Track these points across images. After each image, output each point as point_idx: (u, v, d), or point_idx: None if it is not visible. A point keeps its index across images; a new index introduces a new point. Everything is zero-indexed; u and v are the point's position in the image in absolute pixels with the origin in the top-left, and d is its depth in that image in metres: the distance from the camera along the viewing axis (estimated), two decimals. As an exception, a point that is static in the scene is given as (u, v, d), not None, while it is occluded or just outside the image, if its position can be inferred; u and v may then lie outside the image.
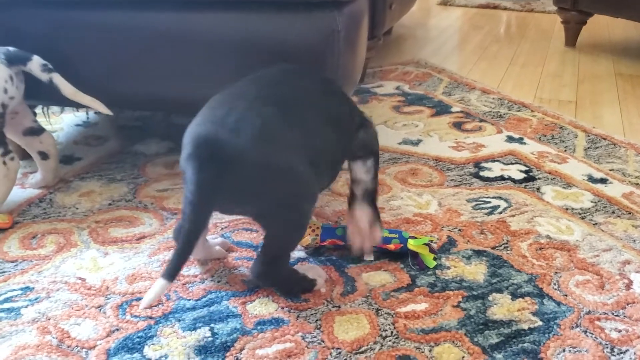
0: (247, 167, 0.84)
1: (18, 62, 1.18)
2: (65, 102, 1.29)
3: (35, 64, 1.18)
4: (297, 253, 1.09)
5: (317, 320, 0.92)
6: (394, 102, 1.94)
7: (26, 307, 0.95)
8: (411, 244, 1.05)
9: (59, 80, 1.19)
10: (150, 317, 0.93)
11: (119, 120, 1.75)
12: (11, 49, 1.18)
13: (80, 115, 1.76)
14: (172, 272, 0.85)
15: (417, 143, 1.60)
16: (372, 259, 1.06)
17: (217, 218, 1.21)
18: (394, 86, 2.09)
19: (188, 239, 0.84)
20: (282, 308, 0.95)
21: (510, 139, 1.64)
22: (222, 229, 1.18)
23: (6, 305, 0.95)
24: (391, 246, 1.05)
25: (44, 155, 1.29)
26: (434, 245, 1.10)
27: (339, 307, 0.96)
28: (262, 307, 0.95)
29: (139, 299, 0.97)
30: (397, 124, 1.74)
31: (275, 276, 0.97)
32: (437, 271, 1.04)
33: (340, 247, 1.08)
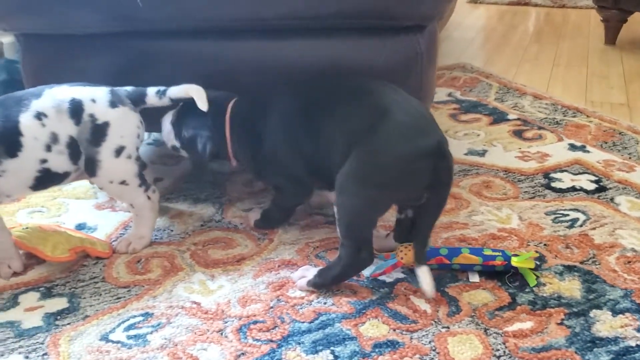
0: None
1: (140, 102, 1.19)
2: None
3: (151, 95, 1.19)
4: (395, 274, 1.13)
5: (430, 341, 0.97)
6: (449, 110, 1.97)
7: (151, 333, 1.00)
8: (515, 261, 1.09)
9: (173, 91, 1.19)
10: (271, 341, 0.98)
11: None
12: (128, 89, 1.19)
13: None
14: (424, 257, 1.03)
15: (482, 153, 1.64)
16: (477, 280, 1.10)
17: (308, 238, 1.26)
18: (446, 93, 2.12)
19: (428, 225, 1.04)
20: (394, 330, 1.00)
21: (572, 147, 1.67)
22: (314, 248, 1.23)
23: (132, 332, 1.00)
24: (497, 262, 1.09)
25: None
26: (537, 263, 1.13)
27: (448, 327, 1.00)
28: (374, 329, 1.00)
29: (255, 322, 1.02)
30: (458, 134, 1.78)
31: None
32: (534, 288, 1.08)
33: (445, 267, 1.12)
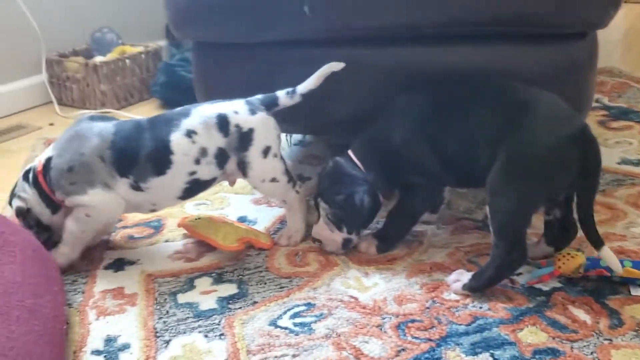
0: None
1: (273, 105, 1.26)
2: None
3: (283, 97, 1.26)
4: (552, 282, 1.13)
5: (592, 352, 0.96)
6: (597, 116, 1.90)
7: (315, 322, 1.07)
8: None
9: (302, 87, 1.25)
10: (430, 340, 1.01)
11: (330, 140, 1.87)
12: (259, 97, 1.26)
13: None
14: (599, 239, 1.05)
15: (637, 163, 1.58)
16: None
17: (458, 242, 1.28)
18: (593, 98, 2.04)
19: (589, 210, 1.06)
20: (553, 338, 1.00)
21: None
22: (465, 253, 1.25)
23: (298, 320, 1.08)
24: None
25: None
26: None
27: (611, 340, 0.99)
28: (532, 336, 1.01)
29: (413, 321, 1.06)
30: (608, 141, 1.72)
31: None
32: None
33: (605, 278, 1.10)
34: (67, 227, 1.23)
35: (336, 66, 1.25)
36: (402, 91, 1.23)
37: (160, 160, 1.19)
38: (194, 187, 1.24)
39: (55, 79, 2.37)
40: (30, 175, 1.23)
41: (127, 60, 2.36)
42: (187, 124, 1.20)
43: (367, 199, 1.21)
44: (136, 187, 1.20)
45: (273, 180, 1.26)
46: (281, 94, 1.26)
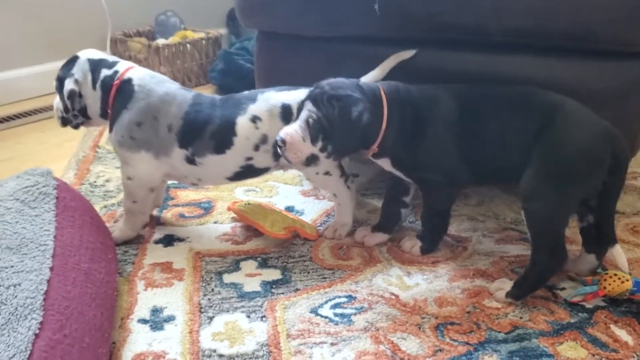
0: None
1: None
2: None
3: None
4: (597, 301, 1.12)
5: (632, 373, 0.96)
6: (655, 140, 1.86)
7: (355, 314, 1.09)
8: None
9: (368, 76, 1.26)
10: (468, 343, 1.02)
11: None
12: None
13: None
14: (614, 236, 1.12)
15: (693, 191, 1.54)
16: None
17: (503, 252, 1.28)
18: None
19: (613, 206, 1.12)
20: (593, 355, 1.00)
21: None
22: (509, 263, 1.25)
23: (338, 311, 1.10)
24: None
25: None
26: None
27: (653, 363, 0.98)
28: (572, 350, 1.01)
29: (452, 324, 1.07)
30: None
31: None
32: None
33: (649, 303, 1.10)
34: (123, 203, 1.28)
35: (406, 54, 1.26)
36: (437, 89, 1.20)
37: (223, 140, 1.22)
38: (246, 172, 1.27)
39: (118, 57, 2.44)
40: (102, 76, 1.25)
41: (188, 45, 2.42)
42: (253, 109, 1.23)
43: (367, 116, 1.10)
44: (191, 161, 1.23)
45: (327, 173, 1.28)
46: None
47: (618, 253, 1.10)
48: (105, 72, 1.25)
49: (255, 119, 1.22)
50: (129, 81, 1.23)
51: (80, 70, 1.25)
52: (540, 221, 1.08)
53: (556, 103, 1.10)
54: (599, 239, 1.14)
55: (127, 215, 1.28)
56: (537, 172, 1.07)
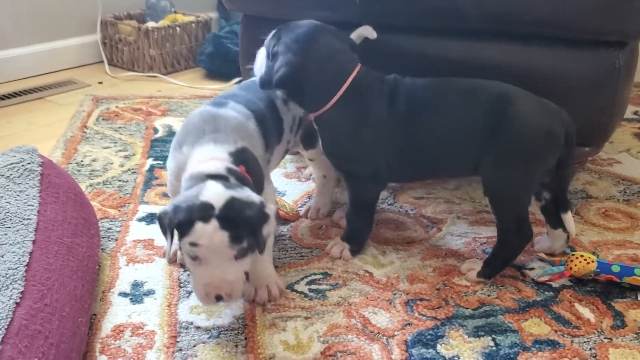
0: None
1: None
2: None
3: None
4: (564, 281, 1.16)
5: (591, 348, 1.00)
6: (634, 128, 1.90)
7: (329, 290, 1.13)
8: None
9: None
10: (436, 318, 1.06)
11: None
12: None
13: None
14: (568, 204, 1.20)
15: (666, 178, 1.58)
16: (649, 299, 1.11)
17: (475, 233, 1.32)
18: (632, 111, 2.04)
19: (566, 178, 1.20)
20: (555, 331, 1.04)
21: None
22: (481, 244, 1.28)
23: (313, 287, 1.14)
24: None
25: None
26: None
27: (611, 339, 1.02)
28: (536, 327, 1.05)
29: (422, 299, 1.11)
30: (640, 154, 1.73)
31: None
32: None
33: (613, 284, 1.13)
34: None
35: (370, 33, 1.28)
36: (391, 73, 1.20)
37: (277, 128, 1.22)
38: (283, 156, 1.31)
39: (108, 39, 2.47)
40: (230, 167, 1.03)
41: (178, 28, 2.43)
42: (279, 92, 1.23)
43: (286, 71, 1.13)
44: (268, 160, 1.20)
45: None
46: None
47: (568, 219, 1.19)
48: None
49: (285, 101, 1.24)
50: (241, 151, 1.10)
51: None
52: (506, 203, 1.12)
53: (503, 94, 1.12)
54: (558, 210, 1.19)
55: None
56: (499, 158, 1.11)
